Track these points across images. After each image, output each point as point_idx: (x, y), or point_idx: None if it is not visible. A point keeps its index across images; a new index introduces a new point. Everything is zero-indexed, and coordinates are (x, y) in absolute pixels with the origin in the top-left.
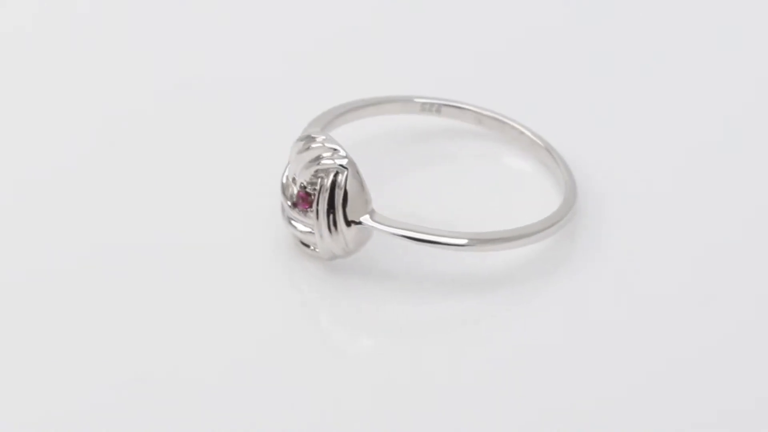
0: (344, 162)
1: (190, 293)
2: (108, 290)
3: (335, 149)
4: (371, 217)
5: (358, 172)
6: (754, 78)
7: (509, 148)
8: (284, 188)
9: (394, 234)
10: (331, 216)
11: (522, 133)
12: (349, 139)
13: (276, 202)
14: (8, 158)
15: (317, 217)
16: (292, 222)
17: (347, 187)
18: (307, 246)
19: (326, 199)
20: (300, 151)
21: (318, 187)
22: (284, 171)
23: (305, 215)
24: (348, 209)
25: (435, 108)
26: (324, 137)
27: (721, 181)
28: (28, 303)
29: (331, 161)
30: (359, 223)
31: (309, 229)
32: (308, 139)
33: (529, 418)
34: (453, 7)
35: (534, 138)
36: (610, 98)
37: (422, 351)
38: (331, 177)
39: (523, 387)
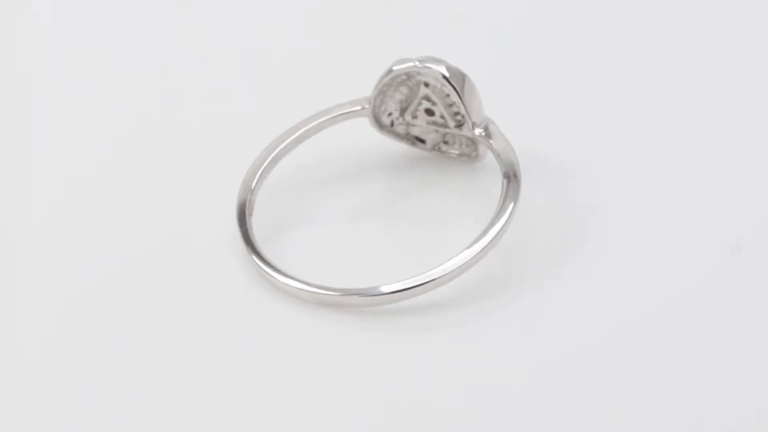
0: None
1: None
2: (103, 294)
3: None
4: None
5: (397, 87)
6: (754, 79)
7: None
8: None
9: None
10: None
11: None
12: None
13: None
14: None
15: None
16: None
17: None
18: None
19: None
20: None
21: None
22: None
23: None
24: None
25: None
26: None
27: (723, 183)
28: None
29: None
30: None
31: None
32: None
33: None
34: (449, 5)
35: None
36: (609, 98)
37: (409, 354)
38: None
39: (517, 393)
